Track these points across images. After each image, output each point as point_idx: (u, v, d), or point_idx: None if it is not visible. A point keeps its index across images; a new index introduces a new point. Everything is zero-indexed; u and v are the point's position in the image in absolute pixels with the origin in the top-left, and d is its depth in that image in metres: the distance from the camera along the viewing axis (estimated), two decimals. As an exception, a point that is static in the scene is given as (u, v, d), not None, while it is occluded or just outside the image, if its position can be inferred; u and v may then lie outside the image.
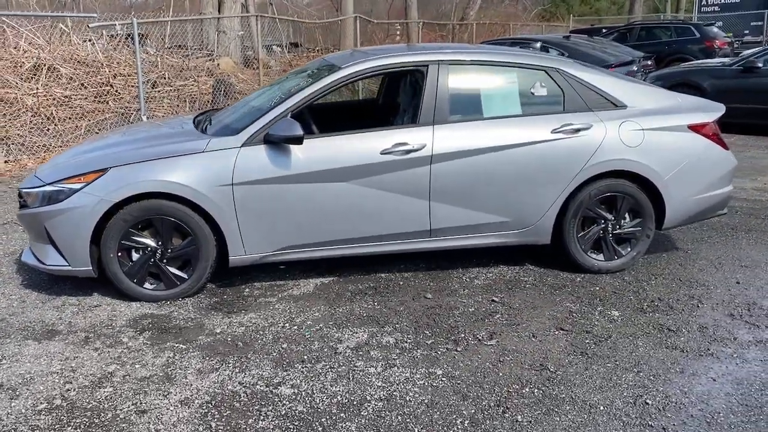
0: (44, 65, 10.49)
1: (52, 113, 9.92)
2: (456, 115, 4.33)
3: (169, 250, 4.13)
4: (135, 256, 4.13)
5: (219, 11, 14.22)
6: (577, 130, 4.36)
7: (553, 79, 4.46)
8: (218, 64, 13.38)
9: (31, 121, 9.62)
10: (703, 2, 26.86)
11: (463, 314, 3.97)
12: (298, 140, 3.99)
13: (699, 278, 4.53)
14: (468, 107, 4.39)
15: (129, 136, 4.78)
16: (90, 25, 9.75)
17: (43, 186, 4.09)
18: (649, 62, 13.36)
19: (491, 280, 4.50)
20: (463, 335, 3.70)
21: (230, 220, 4.09)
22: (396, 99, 5.23)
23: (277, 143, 4.06)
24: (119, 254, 4.08)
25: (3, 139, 9.02)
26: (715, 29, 18.34)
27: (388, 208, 4.23)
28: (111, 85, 10.86)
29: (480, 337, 3.67)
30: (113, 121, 10.28)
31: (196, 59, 13.32)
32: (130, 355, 3.53)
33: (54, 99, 10.12)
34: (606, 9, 44.20)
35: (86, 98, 10.58)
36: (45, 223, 4.04)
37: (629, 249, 4.62)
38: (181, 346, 3.62)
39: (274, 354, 3.51)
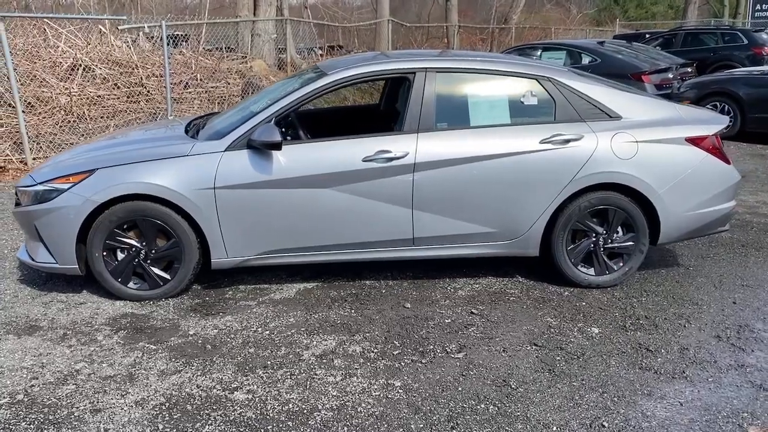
0: (80, 65, 10.84)
1: (84, 112, 10.23)
2: (442, 123, 4.28)
3: (153, 251, 4.20)
4: (120, 255, 4.22)
5: (254, 14, 14.41)
6: (567, 141, 4.26)
7: (544, 88, 4.37)
8: (251, 67, 13.57)
9: (63, 120, 9.94)
10: (757, 7, 25.97)
11: (438, 325, 3.92)
12: (277, 146, 4.02)
13: (693, 296, 4.37)
14: (454, 115, 4.33)
15: (126, 137, 4.88)
16: (119, 27, 9.99)
17: (35, 185, 4.21)
18: (689, 69, 12.99)
19: (476, 291, 4.43)
20: (431, 347, 3.66)
21: (212, 223, 4.13)
22: (390, 106, 5.21)
23: (259, 148, 4.09)
24: (105, 254, 4.17)
25: (35, 137, 9.33)
26: (764, 35, 17.66)
27: (369, 215, 4.21)
28: (143, 86, 11.13)
29: (449, 350, 3.62)
30: (143, 121, 10.54)
31: (230, 61, 13.56)
32: (101, 353, 3.60)
33: (87, 98, 10.43)
34: (663, 13, 43.24)
35: (119, 98, 10.87)
36: (35, 221, 4.16)
37: (621, 264, 4.49)
38: (151, 346, 3.67)
39: (239, 358, 3.53)
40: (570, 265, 4.44)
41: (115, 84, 10.98)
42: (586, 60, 12.15)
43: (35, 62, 10.69)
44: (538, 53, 12.91)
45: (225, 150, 4.12)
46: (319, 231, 4.22)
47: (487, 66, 4.42)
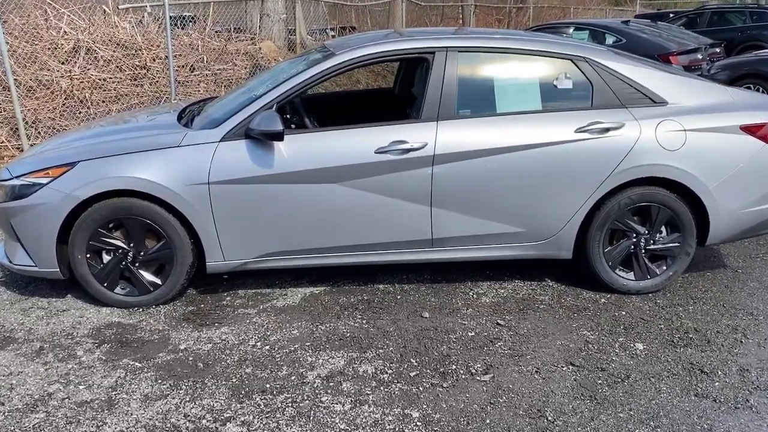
0: (83, 47, 10.41)
1: (86, 96, 9.81)
2: (464, 109, 3.80)
3: (142, 254, 3.78)
4: (106, 258, 3.79)
5: (263, -7, 13.88)
6: (606, 130, 3.77)
7: (580, 69, 3.87)
8: (260, 48, 13.08)
9: (63, 104, 9.53)
10: (786, -15, 25.03)
11: (460, 340, 3.46)
12: (278, 136, 3.55)
13: (747, 305, 3.88)
14: (479, 101, 3.85)
15: (118, 125, 4.46)
16: (119, 7, 9.55)
17: (11, 179, 3.78)
18: (718, 50, 12.37)
19: (501, 298, 3.97)
20: (454, 367, 3.20)
21: (207, 222, 3.69)
22: (406, 90, 4.73)
23: (259, 139, 3.63)
24: (88, 256, 3.75)
25: (33, 123, 8.93)
26: (795, 14, 16.91)
27: (383, 213, 3.76)
28: (148, 69, 10.69)
29: (473, 371, 3.17)
30: (146, 106, 10.12)
31: (238, 42, 13.07)
32: (79, 372, 3.18)
33: (90, 82, 10.01)
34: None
35: (122, 81, 10.44)
36: (11, 219, 3.74)
37: (665, 268, 4.01)
38: (136, 364, 3.25)
39: (235, 380, 3.10)
40: (607, 269, 3.96)
41: (119, 66, 10.54)
42: (610, 40, 11.56)
43: (36, 44, 10.27)
44: (561, 33, 12.29)
45: (220, 140, 3.66)
46: (326, 231, 3.78)
47: (516, 45, 3.92)
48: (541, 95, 3.87)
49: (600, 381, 3.09)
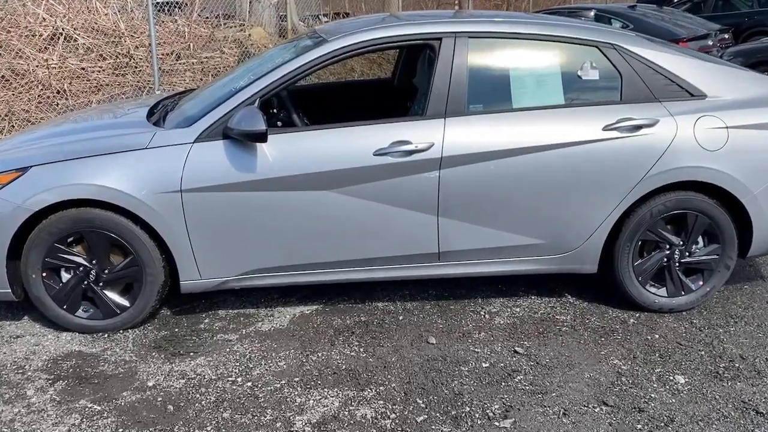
0: (61, 34, 9.87)
1: (64, 87, 9.27)
2: (476, 104, 3.32)
3: (106, 272, 3.29)
4: (65, 276, 3.31)
5: (253, -23, 13.31)
6: (638, 127, 3.29)
7: (607, 57, 3.39)
8: (249, 35, 12.54)
9: (39, 95, 8.99)
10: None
11: (474, 372, 2.99)
12: (261, 136, 3.06)
13: (795, 325, 3.43)
14: (492, 95, 3.36)
15: (84, 122, 3.96)
16: (99, -9, 9.00)
17: (-47, 187, 3.28)
18: (726, 36, 11.89)
19: (517, 319, 3.50)
20: (468, 409, 2.73)
21: (180, 236, 3.21)
22: (407, 81, 4.23)
23: (239, 139, 3.14)
24: (44, 274, 3.26)
25: (6, 115, 8.40)
26: (804, -1, 16.40)
27: (382, 224, 3.28)
28: (131, 57, 10.15)
29: (491, 414, 2.70)
30: (128, 96, 9.60)
31: (227, 29, 12.53)
32: (27, 419, 2.69)
33: (68, 71, 9.47)
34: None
35: (104, 71, 9.91)
36: (-46, 233, 3.25)
37: (701, 282, 3.55)
38: (95, 407, 2.77)
39: (210, 428, 2.62)
40: (636, 284, 3.50)
41: (100, 55, 10.00)
42: (616, 26, 11.03)
43: (11, 30, 9.72)
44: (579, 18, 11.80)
45: (194, 141, 3.17)
46: (318, 245, 3.30)
47: (534, 30, 3.43)
48: (564, 88, 3.39)
49: (640, 426, 2.63)
